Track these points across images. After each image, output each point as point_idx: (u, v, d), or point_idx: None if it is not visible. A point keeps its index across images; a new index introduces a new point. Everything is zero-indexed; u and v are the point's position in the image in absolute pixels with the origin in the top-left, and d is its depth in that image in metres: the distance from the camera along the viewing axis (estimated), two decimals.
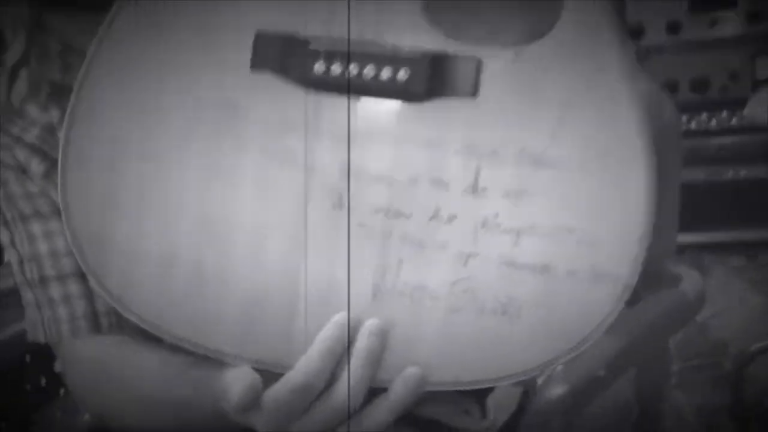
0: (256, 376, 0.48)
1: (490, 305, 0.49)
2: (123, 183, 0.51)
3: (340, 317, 0.48)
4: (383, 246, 0.49)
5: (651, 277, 0.49)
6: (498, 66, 0.49)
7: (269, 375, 0.49)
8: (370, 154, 0.50)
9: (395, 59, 0.50)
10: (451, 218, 0.49)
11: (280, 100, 0.50)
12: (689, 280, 0.91)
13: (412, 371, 0.48)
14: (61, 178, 0.51)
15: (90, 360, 0.63)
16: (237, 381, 0.48)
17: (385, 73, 0.50)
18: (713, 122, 1.93)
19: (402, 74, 0.50)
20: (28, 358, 0.86)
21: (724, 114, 1.92)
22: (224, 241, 0.50)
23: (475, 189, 0.49)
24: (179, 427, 0.57)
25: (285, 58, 0.50)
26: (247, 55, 0.51)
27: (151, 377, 0.58)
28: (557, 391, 0.73)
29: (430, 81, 0.50)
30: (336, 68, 0.50)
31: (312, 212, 0.50)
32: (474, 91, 0.49)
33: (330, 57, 0.50)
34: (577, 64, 0.49)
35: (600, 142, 0.49)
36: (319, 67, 0.50)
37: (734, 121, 1.93)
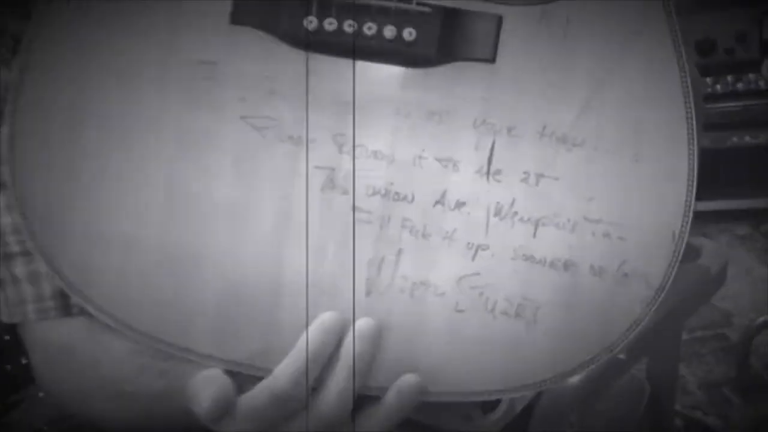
0: (227, 380, 0.46)
1: (501, 306, 0.46)
2: (81, 153, 0.47)
3: (327, 317, 0.45)
4: (380, 234, 0.46)
5: None
6: (520, 26, 0.46)
7: (244, 378, 0.46)
8: (368, 126, 0.47)
9: (401, 15, 0.46)
10: (460, 204, 0.46)
11: (264, 60, 0.47)
12: (710, 253, 0.89)
13: (408, 379, 0.46)
14: (8, 144, 0.47)
15: (57, 344, 0.60)
16: (207, 385, 0.46)
17: (389, 32, 0.46)
18: (718, 87, 1.91)
19: (408, 33, 0.46)
20: (7, 337, 0.83)
21: (729, 78, 1.90)
22: (197, 223, 0.47)
23: (488, 171, 0.46)
24: (149, 421, 0.55)
25: (271, 10, 0.47)
26: (226, 6, 0.47)
27: (121, 366, 0.55)
28: (574, 377, 0.70)
29: (441, 42, 0.46)
30: (330, 24, 0.46)
31: (299, 192, 0.46)
32: (492, 56, 0.46)
33: (323, 10, 0.46)
34: (613, 26, 0.46)
35: (636, 119, 0.46)
36: (310, 22, 0.46)
37: (740, 85, 1.91)
